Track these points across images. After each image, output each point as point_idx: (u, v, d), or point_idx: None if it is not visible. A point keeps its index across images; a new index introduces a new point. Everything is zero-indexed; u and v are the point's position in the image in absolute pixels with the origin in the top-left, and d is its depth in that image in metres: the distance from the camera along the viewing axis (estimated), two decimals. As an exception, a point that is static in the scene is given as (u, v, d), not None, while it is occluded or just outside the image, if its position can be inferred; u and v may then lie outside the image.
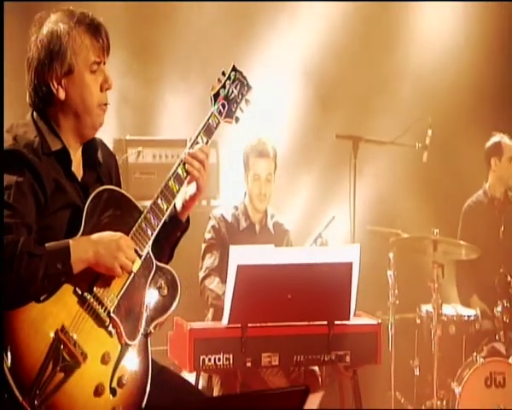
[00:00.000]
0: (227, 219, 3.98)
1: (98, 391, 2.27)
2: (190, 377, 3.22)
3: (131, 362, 2.39)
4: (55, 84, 2.37)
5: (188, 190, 2.54)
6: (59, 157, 2.39)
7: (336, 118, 5.39)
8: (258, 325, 3.27)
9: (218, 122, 2.57)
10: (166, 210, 2.48)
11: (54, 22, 2.38)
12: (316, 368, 3.65)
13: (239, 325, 3.21)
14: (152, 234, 2.43)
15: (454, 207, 5.17)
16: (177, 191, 2.51)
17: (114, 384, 2.31)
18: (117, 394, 2.31)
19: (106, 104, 2.43)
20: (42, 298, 2.25)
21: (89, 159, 2.50)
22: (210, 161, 2.70)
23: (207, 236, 3.94)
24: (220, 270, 3.72)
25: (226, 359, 3.22)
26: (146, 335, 2.44)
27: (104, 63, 2.43)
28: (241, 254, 3.17)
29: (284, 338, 3.31)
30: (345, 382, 3.52)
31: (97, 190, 2.43)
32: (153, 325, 2.47)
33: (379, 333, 3.45)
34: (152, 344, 2.49)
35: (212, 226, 3.95)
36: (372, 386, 4.33)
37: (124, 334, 2.35)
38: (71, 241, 2.30)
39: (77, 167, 2.47)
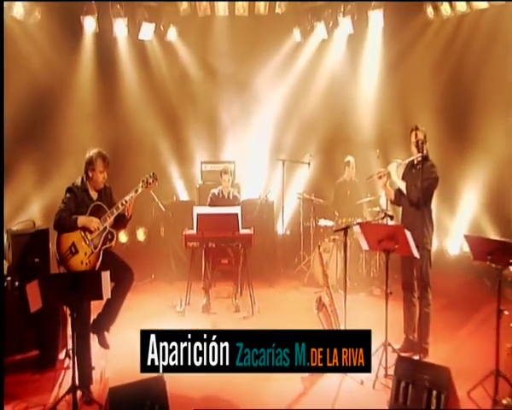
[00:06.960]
0: (215, 194, 9.35)
1: (82, 263, 5.72)
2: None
3: (95, 256, 5.80)
4: (88, 172, 5.81)
5: (125, 209, 5.99)
6: (85, 192, 5.80)
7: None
8: (208, 233, 8.43)
9: (141, 190, 5.97)
10: (115, 213, 5.82)
11: (91, 152, 5.81)
12: (240, 247, 8.68)
13: (201, 233, 8.41)
14: (108, 219, 5.80)
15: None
16: (121, 208, 5.90)
17: (88, 261, 5.74)
18: (88, 265, 5.75)
19: (104, 181, 5.82)
20: (70, 232, 5.68)
21: (100, 193, 5.90)
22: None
23: (208, 201, 9.33)
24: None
25: (196, 243, 8.46)
26: (101, 249, 5.86)
27: (106, 170, 5.83)
28: (199, 209, 8.48)
29: (217, 238, 8.42)
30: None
31: (93, 204, 5.83)
32: (105, 246, 5.82)
33: (252, 237, 8.53)
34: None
35: (210, 197, 9.35)
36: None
37: (93, 247, 5.79)
38: (79, 217, 5.68)
39: (94, 195, 5.84)
